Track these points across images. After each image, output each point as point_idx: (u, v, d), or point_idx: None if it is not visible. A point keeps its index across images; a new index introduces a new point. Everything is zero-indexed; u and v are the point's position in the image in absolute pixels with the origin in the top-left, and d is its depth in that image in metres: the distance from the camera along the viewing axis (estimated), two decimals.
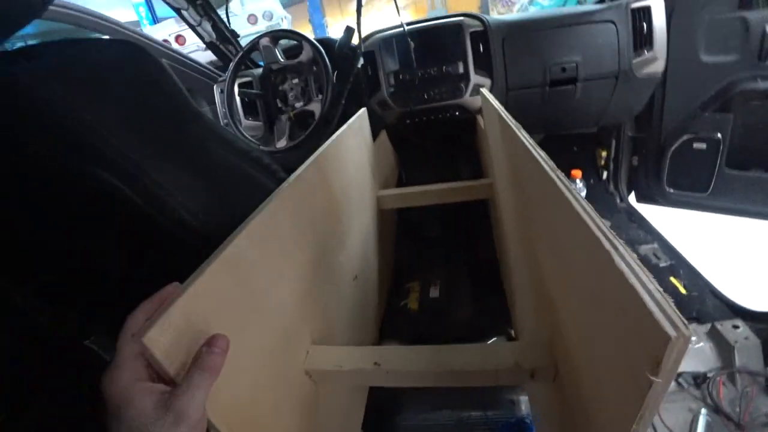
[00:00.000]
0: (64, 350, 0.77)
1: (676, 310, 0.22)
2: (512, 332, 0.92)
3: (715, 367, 0.94)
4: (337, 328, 0.68)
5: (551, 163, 0.43)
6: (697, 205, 1.42)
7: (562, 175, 0.40)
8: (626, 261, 0.26)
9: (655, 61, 1.27)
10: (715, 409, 0.85)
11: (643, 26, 1.25)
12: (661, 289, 0.23)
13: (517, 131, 0.57)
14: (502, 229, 0.92)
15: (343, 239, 0.76)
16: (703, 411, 0.84)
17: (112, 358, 0.32)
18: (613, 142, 1.57)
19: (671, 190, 1.45)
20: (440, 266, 1.18)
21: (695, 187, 1.41)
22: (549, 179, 0.40)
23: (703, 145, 1.38)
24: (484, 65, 1.25)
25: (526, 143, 0.50)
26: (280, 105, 1.27)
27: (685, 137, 1.41)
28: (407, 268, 1.22)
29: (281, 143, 1.16)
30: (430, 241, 1.40)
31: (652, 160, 1.47)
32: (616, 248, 0.27)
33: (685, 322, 0.21)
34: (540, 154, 0.46)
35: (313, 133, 1.10)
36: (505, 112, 0.70)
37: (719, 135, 1.36)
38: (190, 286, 0.35)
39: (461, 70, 1.24)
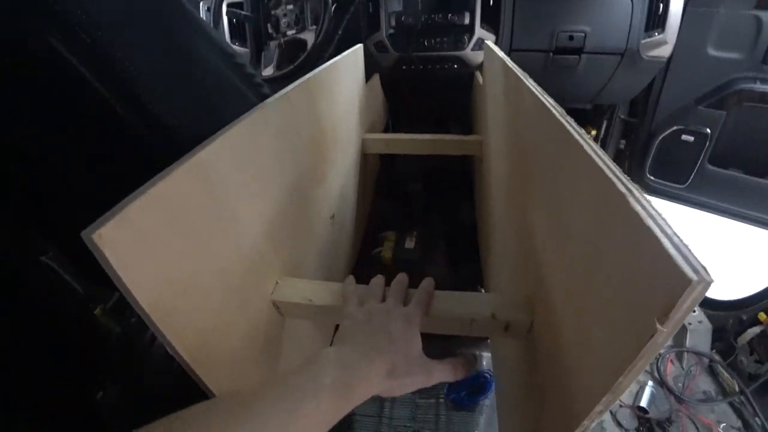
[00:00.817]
0: (21, 267, 0.72)
1: (696, 256, 0.20)
2: (482, 291, 0.92)
3: (667, 345, 1.00)
4: (308, 265, 0.65)
5: (560, 108, 0.40)
6: (674, 196, 1.46)
7: (571, 120, 0.37)
8: (642, 204, 0.24)
9: (664, 45, 1.24)
10: (660, 383, 0.91)
11: (659, 6, 1.20)
12: (679, 234, 0.22)
13: (524, 80, 0.53)
14: (488, 188, 0.90)
15: (325, 175, 0.72)
16: (650, 383, 0.90)
17: (70, 274, 0.29)
18: (605, 123, 1.56)
19: (651, 178, 1.47)
20: (418, 221, 1.16)
21: (674, 179, 1.43)
22: (558, 123, 0.37)
23: (691, 138, 1.39)
24: (490, 19, 1.19)
25: (534, 90, 0.47)
26: (270, 31, 1.17)
27: (675, 127, 1.41)
28: (384, 219, 1.19)
29: (267, 71, 1.08)
30: (410, 195, 1.38)
31: (640, 145, 1.47)
32: (630, 191, 0.25)
33: (706, 267, 0.19)
34: (548, 100, 0.43)
35: (303, 64, 1.02)
36: (512, 62, 0.66)
37: (708, 130, 1.37)
38: (153, 186, 0.31)
39: (467, 21, 1.18)
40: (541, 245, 0.44)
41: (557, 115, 0.39)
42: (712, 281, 0.19)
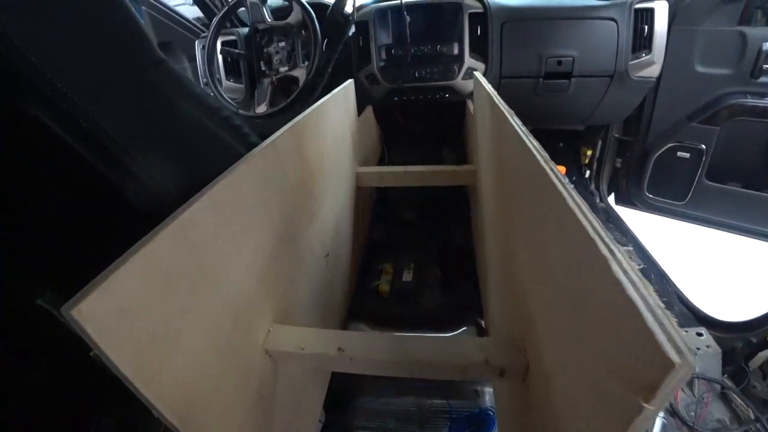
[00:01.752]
0: (17, 310, 0.71)
1: (681, 333, 0.19)
2: (482, 323, 0.91)
3: None
4: (302, 307, 0.64)
5: (544, 153, 0.40)
6: (673, 213, 1.45)
7: (554, 166, 0.37)
8: (624, 270, 0.23)
9: (652, 65, 1.25)
10: (671, 412, 0.87)
11: (644, 28, 1.23)
12: (663, 306, 0.21)
13: (509, 117, 0.54)
14: (481, 219, 0.89)
15: (316, 214, 0.72)
16: (660, 413, 0.87)
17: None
18: (599, 143, 1.57)
19: (650, 196, 1.47)
20: (415, 251, 1.16)
21: (673, 195, 1.43)
22: (540, 169, 0.37)
23: (687, 155, 1.39)
24: (479, 49, 1.21)
25: (518, 130, 0.47)
26: (263, 68, 1.19)
27: (669, 144, 1.42)
28: (381, 250, 1.19)
29: (261, 108, 1.09)
30: (406, 224, 1.38)
31: (636, 163, 1.47)
32: (613, 254, 0.24)
33: (690, 347, 0.19)
34: (533, 143, 0.43)
35: (296, 100, 1.04)
36: (498, 96, 0.66)
37: (703, 146, 1.37)
38: (134, 255, 0.31)
39: (456, 51, 1.20)
40: (530, 287, 0.44)
41: (541, 161, 0.39)
42: (694, 366, 0.18)
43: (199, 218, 0.38)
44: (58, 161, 0.39)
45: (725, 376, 0.95)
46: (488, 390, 0.82)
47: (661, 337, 0.19)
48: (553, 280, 0.34)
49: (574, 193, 0.32)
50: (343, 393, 0.86)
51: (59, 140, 0.36)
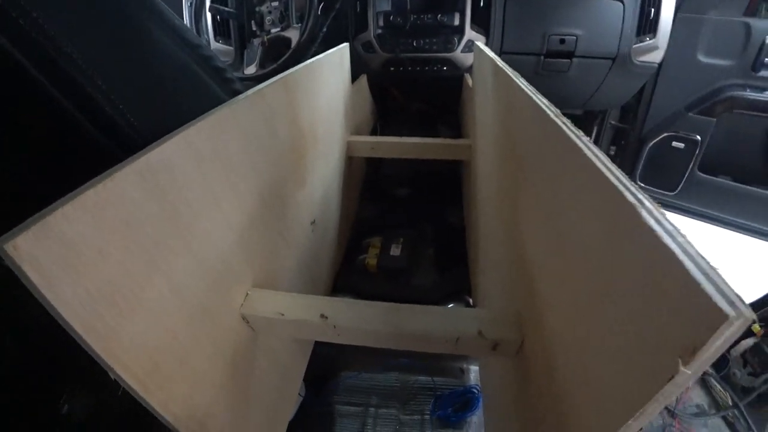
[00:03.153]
0: None
1: (730, 283, 0.16)
2: (470, 301, 0.89)
3: None
4: (285, 274, 0.61)
5: (555, 109, 0.37)
6: (663, 204, 1.44)
7: (568, 121, 0.34)
8: (656, 217, 0.20)
9: (655, 50, 1.22)
10: None
11: (650, 11, 1.19)
12: (705, 255, 0.18)
13: (515, 79, 0.50)
14: (476, 193, 0.87)
15: (305, 178, 0.68)
16: None
17: None
18: (595, 129, 1.55)
19: (641, 185, 1.46)
20: (405, 228, 1.13)
21: (664, 185, 1.42)
22: (554, 125, 0.34)
23: (681, 145, 1.38)
24: (481, 21, 1.16)
25: (527, 90, 0.44)
26: (254, 28, 1.13)
27: (665, 134, 1.41)
28: (370, 225, 1.15)
29: (250, 69, 1.03)
30: (396, 200, 1.34)
31: (630, 152, 1.46)
32: (641, 202, 0.21)
33: (742, 298, 0.16)
34: (542, 100, 0.40)
35: (287, 63, 0.98)
36: (502, 62, 0.63)
37: (698, 137, 1.36)
38: (87, 191, 0.27)
39: (456, 22, 1.15)
40: (534, 257, 0.41)
41: (552, 116, 0.36)
42: (753, 318, 0.15)
43: (172, 160, 0.34)
44: (9, 89, 0.34)
45: None
46: (474, 368, 0.81)
47: (710, 289, 0.16)
48: (567, 245, 0.31)
49: (592, 145, 0.28)
50: (325, 368, 0.83)
51: (18, 65, 0.31)
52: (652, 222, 0.20)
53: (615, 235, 0.23)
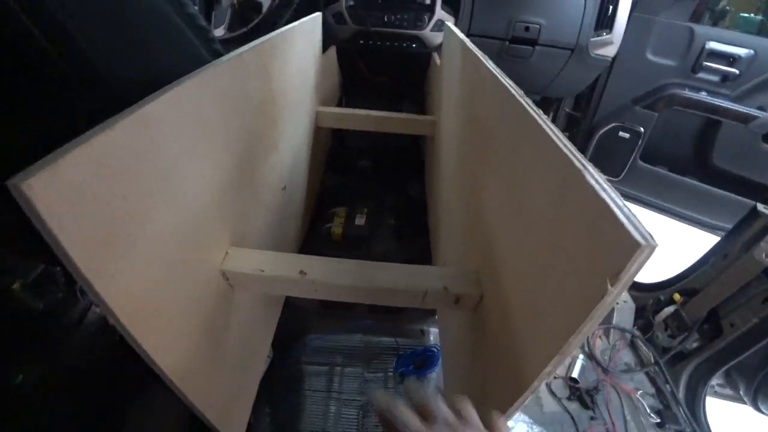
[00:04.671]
0: None
1: (644, 224, 0.21)
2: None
3: None
4: (258, 235, 0.63)
5: (519, 90, 0.41)
6: None
7: (529, 100, 0.38)
8: (596, 179, 0.25)
9: (610, 45, 1.31)
10: (590, 356, 1.00)
11: (609, 8, 1.27)
12: (628, 206, 0.23)
13: (484, 60, 0.54)
14: (439, 166, 0.91)
15: (276, 144, 0.69)
16: (581, 357, 0.98)
17: None
18: (551, 114, 1.64)
19: None
20: (368, 198, 1.16)
21: (609, 172, 1.54)
22: (517, 103, 0.39)
23: (627, 135, 1.50)
24: (451, 2, 1.19)
25: (493, 71, 0.48)
26: None
27: (613, 124, 1.52)
28: (334, 195, 1.18)
29: (218, 32, 1.00)
30: (359, 171, 1.37)
31: (581, 139, 1.56)
32: (585, 167, 0.27)
33: (652, 234, 0.21)
34: (508, 81, 0.44)
35: (256, 28, 0.96)
36: (471, 44, 0.67)
37: (642, 129, 1.48)
38: (93, 137, 0.28)
39: (428, 0, 1.17)
40: (492, 221, 0.46)
41: (516, 95, 0.40)
42: (657, 245, 0.20)
43: (160, 114, 0.35)
44: None
45: (635, 327, 1.09)
46: (433, 330, 0.87)
47: (629, 227, 0.21)
48: (523, 206, 0.36)
49: (549, 122, 0.33)
50: (291, 331, 0.86)
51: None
52: (593, 181, 0.25)
53: (563, 194, 0.28)
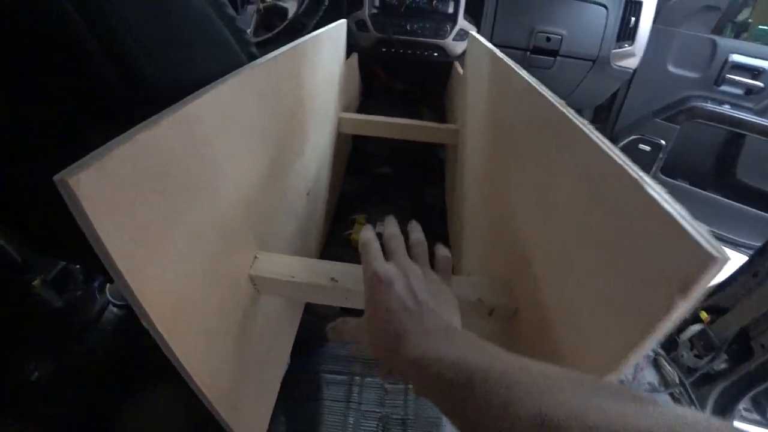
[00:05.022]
0: None
1: (710, 234, 0.21)
2: None
3: None
4: (282, 241, 0.62)
5: (559, 99, 0.41)
6: None
7: (572, 110, 0.38)
8: (656, 190, 0.25)
9: (632, 57, 1.30)
10: None
11: (631, 19, 1.26)
12: (693, 219, 0.22)
13: (516, 69, 0.54)
14: (462, 175, 0.90)
15: (302, 149, 0.69)
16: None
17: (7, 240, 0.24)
18: None
19: None
20: (387, 205, 1.16)
21: None
22: (558, 112, 0.38)
23: (648, 148, 1.48)
24: (474, 11, 1.20)
25: (529, 80, 0.48)
26: None
27: (633, 136, 1.50)
28: (353, 201, 1.17)
29: None
30: (379, 177, 1.37)
31: None
32: (642, 177, 0.26)
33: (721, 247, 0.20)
34: (546, 91, 0.44)
35: (281, 34, 0.97)
36: (500, 52, 0.66)
37: (663, 142, 1.46)
38: (139, 134, 0.28)
39: (451, 9, 1.18)
40: (525, 231, 0.45)
41: (552, 100, 0.39)
42: (729, 258, 0.20)
43: (203, 114, 0.35)
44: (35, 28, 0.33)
45: (659, 345, 1.06)
46: None
47: (701, 239, 0.20)
48: (567, 215, 0.35)
49: (596, 131, 0.33)
50: (309, 339, 0.85)
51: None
52: (653, 192, 0.24)
53: (616, 205, 0.27)
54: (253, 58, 0.47)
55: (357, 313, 0.90)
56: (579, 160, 0.33)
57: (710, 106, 1.40)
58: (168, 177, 0.31)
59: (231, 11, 0.43)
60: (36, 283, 0.95)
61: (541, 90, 0.44)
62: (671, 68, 1.44)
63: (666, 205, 0.23)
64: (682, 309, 0.21)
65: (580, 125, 0.34)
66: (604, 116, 1.54)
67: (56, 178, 0.23)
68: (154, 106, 0.32)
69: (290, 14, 0.99)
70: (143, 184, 0.28)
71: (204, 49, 0.41)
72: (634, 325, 0.24)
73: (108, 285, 1.13)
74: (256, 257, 0.49)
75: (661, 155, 1.48)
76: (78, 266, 1.07)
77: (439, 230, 1.09)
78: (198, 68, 0.39)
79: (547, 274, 0.38)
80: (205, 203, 0.37)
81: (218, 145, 0.38)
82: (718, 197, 1.46)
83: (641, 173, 0.26)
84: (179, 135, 0.32)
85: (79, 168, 0.23)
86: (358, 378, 0.82)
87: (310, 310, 0.78)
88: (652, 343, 0.24)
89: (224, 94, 0.39)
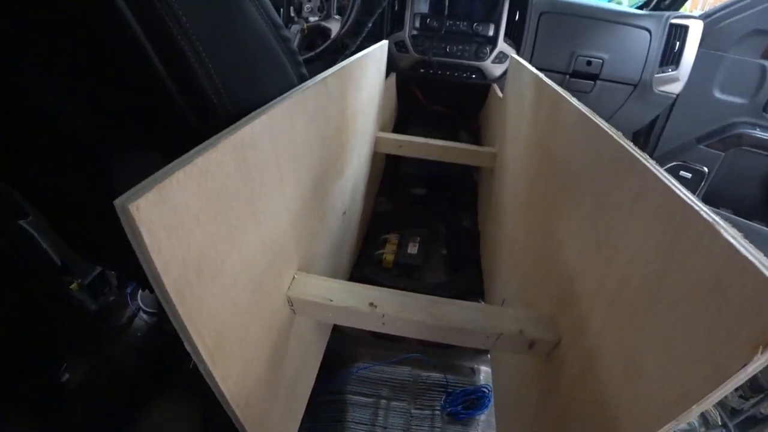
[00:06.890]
0: None
1: None
2: (481, 303, 0.91)
3: None
4: (321, 261, 0.63)
5: (616, 131, 0.39)
6: None
7: (630, 142, 0.36)
8: (732, 234, 0.23)
9: (676, 82, 1.26)
10: None
11: (675, 44, 1.23)
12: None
13: (568, 97, 0.52)
14: (500, 200, 0.89)
15: (342, 169, 0.69)
16: None
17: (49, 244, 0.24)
18: None
19: None
20: (421, 227, 1.15)
21: None
22: (617, 145, 0.36)
23: (689, 175, 1.42)
24: (513, 35, 1.19)
25: (584, 110, 0.46)
26: (292, 14, 1.14)
27: (674, 163, 1.45)
28: (386, 221, 1.17)
29: None
30: (413, 199, 1.36)
31: None
32: (716, 221, 0.24)
33: None
34: (603, 122, 0.42)
35: (324, 52, 0.99)
36: (548, 79, 0.65)
37: (706, 169, 1.40)
38: (196, 157, 0.28)
39: (491, 32, 1.17)
40: (572, 263, 0.43)
41: (617, 138, 0.38)
42: None
43: (257, 138, 0.35)
44: (106, 48, 0.34)
45: None
46: (483, 368, 0.83)
47: None
48: (623, 251, 0.33)
49: (658, 167, 0.31)
50: (336, 360, 0.85)
51: (133, 35, 0.31)
52: (728, 236, 0.23)
53: (685, 249, 0.26)
54: (303, 78, 0.48)
55: (390, 337, 0.89)
56: (643, 200, 0.31)
57: (759, 133, 1.34)
58: (222, 203, 0.32)
59: (286, 32, 0.44)
60: (73, 286, 0.98)
61: (599, 122, 0.43)
62: (717, 94, 1.39)
63: (742, 250, 0.22)
64: (759, 363, 0.20)
65: (644, 161, 0.33)
66: (642, 141, 1.49)
67: (117, 202, 0.23)
68: (213, 121, 0.32)
69: (333, 34, 1.01)
70: (201, 209, 0.29)
71: (266, 72, 0.41)
72: (705, 376, 0.23)
73: (140, 292, 1.15)
74: (294, 278, 0.49)
75: (703, 183, 1.42)
76: (113, 272, 1.10)
77: (472, 254, 1.07)
78: (259, 91, 0.40)
79: (601, 311, 0.36)
80: (253, 228, 0.37)
81: (268, 169, 0.39)
82: (765, 228, 1.39)
83: (714, 216, 0.25)
84: (234, 159, 0.32)
85: (139, 193, 0.23)
86: (384, 401, 0.81)
87: (336, 329, 0.78)
88: (721, 395, 0.22)
89: (277, 117, 0.39)
